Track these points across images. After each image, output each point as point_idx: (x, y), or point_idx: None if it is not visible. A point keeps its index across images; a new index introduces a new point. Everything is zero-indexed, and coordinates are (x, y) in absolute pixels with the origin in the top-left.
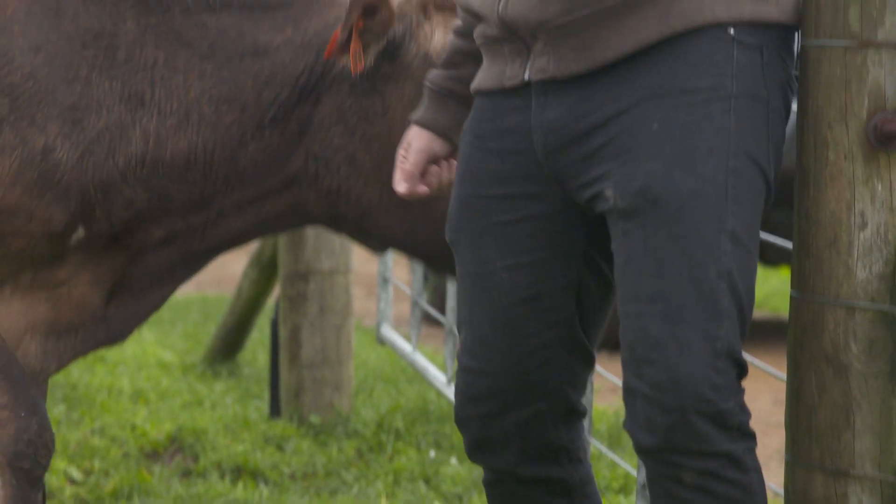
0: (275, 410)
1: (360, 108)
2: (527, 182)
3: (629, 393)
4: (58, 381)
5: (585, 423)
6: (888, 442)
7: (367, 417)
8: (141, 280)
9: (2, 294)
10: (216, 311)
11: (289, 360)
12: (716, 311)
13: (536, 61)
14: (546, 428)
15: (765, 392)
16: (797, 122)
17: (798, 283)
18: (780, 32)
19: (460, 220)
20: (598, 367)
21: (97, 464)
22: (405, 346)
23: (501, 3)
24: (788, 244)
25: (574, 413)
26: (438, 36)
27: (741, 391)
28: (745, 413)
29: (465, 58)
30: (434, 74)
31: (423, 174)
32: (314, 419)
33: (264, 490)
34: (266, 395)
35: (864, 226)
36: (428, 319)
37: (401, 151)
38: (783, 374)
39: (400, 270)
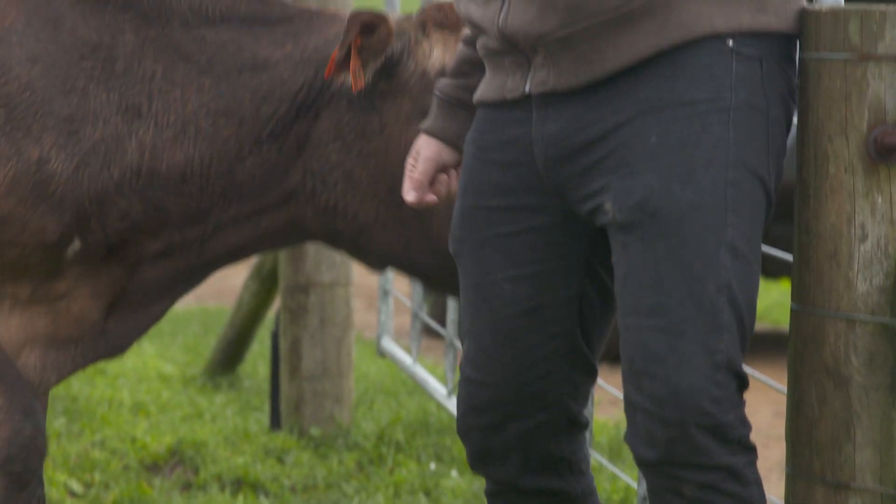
0: (275, 423)
1: (358, 124)
2: (528, 194)
3: (630, 406)
4: (58, 393)
5: (586, 435)
6: (889, 455)
7: (367, 430)
8: (140, 294)
9: (1, 308)
10: (216, 323)
11: (289, 372)
12: (715, 324)
13: (537, 74)
14: (547, 439)
15: (765, 404)
16: (797, 135)
17: (798, 295)
18: (781, 41)
19: (463, 230)
20: (599, 380)
21: (98, 476)
22: (405, 359)
23: (501, 17)
24: (789, 257)
25: (576, 425)
26: (437, 54)
27: (742, 404)
28: (746, 426)
29: (473, 67)
30: (443, 83)
31: (431, 183)
32: (315, 431)
33: (265, 502)
34: (266, 408)
35: (864, 238)
36: (428, 332)
37: (409, 160)
38: (784, 387)
39: (400, 283)
